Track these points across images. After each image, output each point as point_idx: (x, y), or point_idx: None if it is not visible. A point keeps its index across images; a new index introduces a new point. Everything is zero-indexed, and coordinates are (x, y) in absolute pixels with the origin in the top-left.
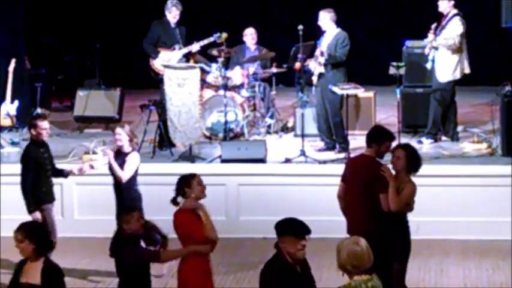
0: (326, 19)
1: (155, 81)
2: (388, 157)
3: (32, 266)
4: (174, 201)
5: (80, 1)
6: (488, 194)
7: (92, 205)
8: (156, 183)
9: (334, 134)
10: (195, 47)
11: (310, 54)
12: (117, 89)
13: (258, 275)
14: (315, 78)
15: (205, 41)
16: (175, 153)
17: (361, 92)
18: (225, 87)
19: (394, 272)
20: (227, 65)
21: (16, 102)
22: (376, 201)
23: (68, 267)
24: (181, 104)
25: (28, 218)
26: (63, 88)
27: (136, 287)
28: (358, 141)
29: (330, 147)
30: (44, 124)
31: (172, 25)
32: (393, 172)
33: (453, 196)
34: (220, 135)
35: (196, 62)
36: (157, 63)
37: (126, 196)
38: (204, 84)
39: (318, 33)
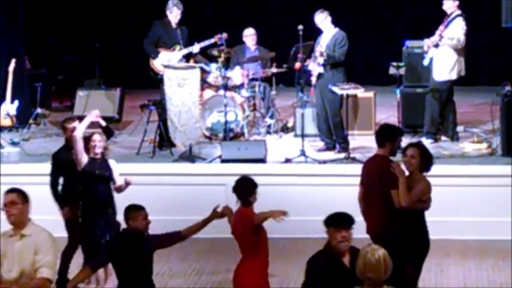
0: (324, 21)
1: (155, 81)
2: (399, 156)
3: None
4: (246, 203)
5: (80, 1)
6: (488, 194)
7: None
8: (156, 183)
9: (334, 134)
10: (196, 48)
11: (310, 54)
12: (117, 89)
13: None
14: (313, 79)
15: (206, 42)
16: (175, 153)
17: (361, 92)
18: (225, 87)
19: (407, 275)
20: (227, 65)
21: (16, 102)
22: (392, 200)
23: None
24: (181, 104)
25: None
26: (63, 88)
27: None
28: (357, 141)
29: (329, 147)
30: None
31: (174, 25)
32: (407, 172)
33: (453, 196)
34: (220, 135)
35: (196, 62)
36: (157, 63)
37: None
38: (204, 84)
39: (318, 33)
